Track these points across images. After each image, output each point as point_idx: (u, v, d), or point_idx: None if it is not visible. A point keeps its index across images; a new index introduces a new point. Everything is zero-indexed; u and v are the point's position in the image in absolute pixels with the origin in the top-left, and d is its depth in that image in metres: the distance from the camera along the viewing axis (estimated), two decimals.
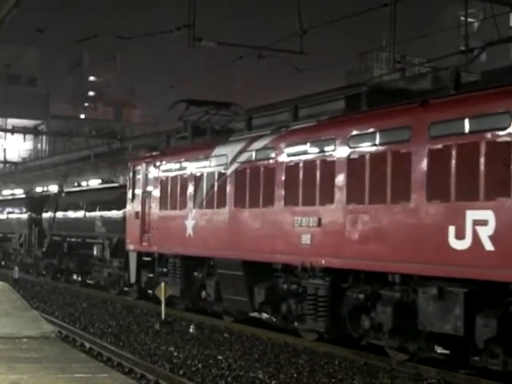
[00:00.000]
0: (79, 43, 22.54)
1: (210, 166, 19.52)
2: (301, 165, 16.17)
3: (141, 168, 23.37)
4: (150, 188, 22.68)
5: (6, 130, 55.14)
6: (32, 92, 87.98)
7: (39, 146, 78.91)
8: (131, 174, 24.00)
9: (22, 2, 14.26)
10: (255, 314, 19.62)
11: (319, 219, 15.46)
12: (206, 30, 19.61)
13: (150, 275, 22.75)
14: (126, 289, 26.37)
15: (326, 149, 15.45)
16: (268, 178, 17.12)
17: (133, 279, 23.71)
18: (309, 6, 20.05)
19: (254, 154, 17.71)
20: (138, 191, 23.38)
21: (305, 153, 16.12)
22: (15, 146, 69.59)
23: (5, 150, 61.19)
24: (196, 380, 12.86)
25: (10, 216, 41.30)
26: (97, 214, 29.26)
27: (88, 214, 30.27)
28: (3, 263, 42.67)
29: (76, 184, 39.06)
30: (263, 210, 17.31)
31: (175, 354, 15.29)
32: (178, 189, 20.94)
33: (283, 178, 16.66)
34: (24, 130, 47.62)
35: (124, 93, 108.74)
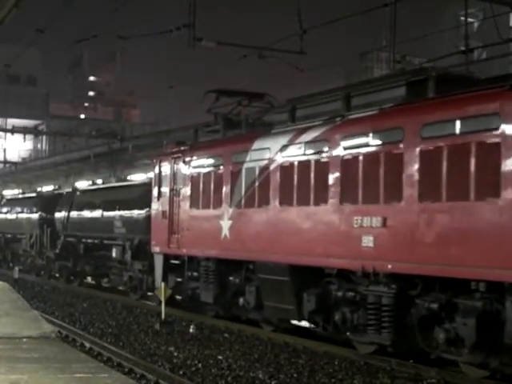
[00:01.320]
0: (79, 43, 22.55)
1: (249, 161, 17.86)
2: (360, 158, 14.50)
3: (168, 164, 21.60)
4: (178, 185, 21.01)
5: (5, 130, 55.13)
6: (32, 92, 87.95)
7: (39, 146, 78.91)
8: (156, 171, 22.23)
9: (21, 2, 14.26)
10: (299, 323, 17.60)
11: (384, 219, 13.84)
12: (206, 30, 19.62)
13: (179, 279, 21.03)
14: (150, 294, 24.43)
15: (393, 139, 13.83)
16: (320, 173, 15.47)
17: (159, 283, 21.42)
18: (309, 6, 20.06)
19: (302, 146, 16.05)
20: (165, 189, 21.65)
21: (366, 145, 14.42)
22: (15, 146, 69.59)
23: (5, 150, 61.17)
24: (196, 380, 12.86)
25: (20, 216, 39.36)
26: (116, 213, 27.38)
27: (106, 214, 28.44)
28: (11, 265, 40.06)
29: (91, 182, 37.21)
30: (314, 209, 15.63)
31: (175, 354, 15.29)
32: (212, 186, 19.34)
33: (338, 173, 15.00)
34: (24, 130, 47.64)
35: (124, 93, 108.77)
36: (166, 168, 21.68)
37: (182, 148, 21.15)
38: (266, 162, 17.20)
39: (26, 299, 19.24)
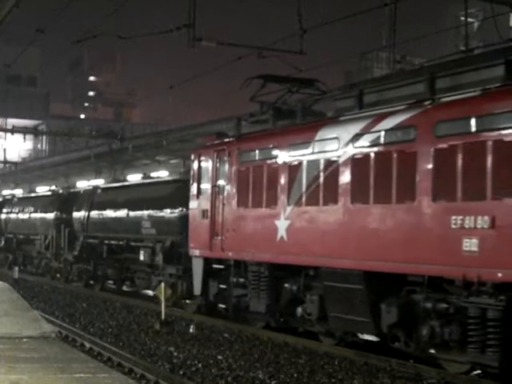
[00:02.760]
0: (79, 43, 22.55)
1: (312, 153, 15.73)
2: (459, 147, 12.50)
3: (209, 158, 19.52)
4: (222, 181, 18.91)
5: (6, 130, 55.10)
6: (32, 92, 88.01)
7: (39, 146, 78.90)
8: (196, 166, 20.13)
9: (21, 1, 14.28)
10: (371, 337, 15.18)
11: (492, 218, 11.85)
12: (206, 30, 19.62)
13: (222, 286, 19.04)
14: (187, 301, 22.18)
15: (504, 124, 11.90)
16: (404, 166, 13.46)
17: (198, 290, 19.78)
18: (309, 6, 20.06)
19: (382, 135, 14.02)
20: (206, 186, 19.57)
21: (466, 131, 12.47)
22: (15, 146, 69.57)
23: (5, 150, 61.13)
24: (196, 380, 12.86)
25: (33, 216, 36.85)
26: (144, 213, 25.11)
27: (132, 214, 26.17)
28: (22, 267, 37.81)
29: (112, 179, 34.55)
30: (397, 207, 13.57)
31: (175, 354, 15.29)
32: (265, 182, 17.21)
33: (430, 164, 12.98)
34: (24, 130, 47.59)
35: (124, 93, 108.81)
36: (206, 162, 19.68)
37: (227, 140, 19.19)
38: (333, 153, 15.13)
39: (26, 299, 19.26)
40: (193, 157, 20.43)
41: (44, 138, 73.73)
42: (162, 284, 19.71)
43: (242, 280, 18.28)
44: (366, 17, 18.91)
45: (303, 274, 16.31)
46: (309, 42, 19.44)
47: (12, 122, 64.25)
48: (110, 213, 28.12)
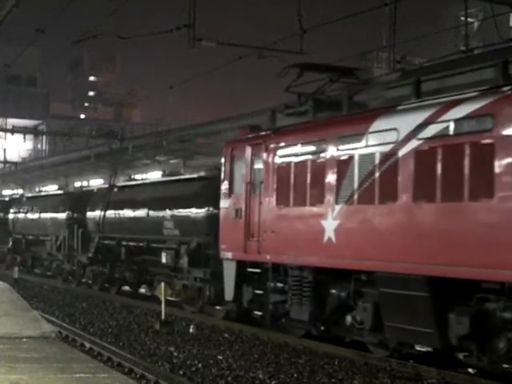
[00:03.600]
0: (79, 43, 22.54)
1: (365, 146, 14.34)
2: None
3: (243, 153, 18.10)
4: (258, 178, 17.51)
5: (6, 130, 55.08)
6: (32, 92, 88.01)
7: (39, 146, 78.89)
8: (227, 161, 18.74)
9: (21, 1, 14.28)
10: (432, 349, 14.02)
11: None
12: (206, 30, 19.60)
13: (258, 292, 17.68)
14: (218, 307, 20.86)
15: None
16: (480, 159, 12.14)
17: (230, 296, 18.46)
18: (309, 6, 20.05)
19: (450, 125, 12.73)
20: (240, 183, 18.17)
21: None
22: (15, 146, 69.57)
23: (5, 150, 61.12)
24: (196, 380, 12.87)
25: (43, 215, 35.34)
26: (166, 212, 23.54)
27: (153, 213, 24.59)
28: (30, 269, 37.40)
29: (130, 177, 32.56)
30: (471, 205, 12.23)
31: (175, 354, 15.30)
32: (309, 178, 15.80)
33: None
34: (24, 130, 47.58)
35: (124, 93, 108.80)
36: (240, 158, 18.28)
37: (264, 133, 17.83)
38: (391, 146, 13.76)
39: (25, 299, 19.26)
40: (224, 152, 18.97)
41: (44, 137, 73.73)
42: (162, 284, 19.68)
43: (280, 285, 16.95)
44: (366, 17, 18.90)
45: (353, 279, 14.88)
46: (309, 42, 19.42)
47: (12, 121, 64.22)
48: (128, 212, 26.65)
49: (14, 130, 47.10)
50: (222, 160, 19.07)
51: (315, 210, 15.59)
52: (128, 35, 22.03)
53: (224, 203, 18.81)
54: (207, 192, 21.18)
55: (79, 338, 16.95)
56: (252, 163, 17.83)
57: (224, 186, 18.87)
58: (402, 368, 13.85)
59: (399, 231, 13.50)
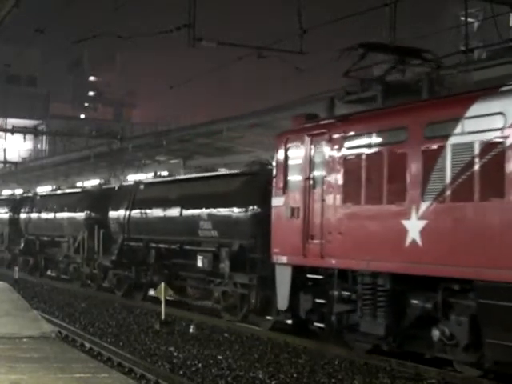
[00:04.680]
0: (79, 43, 22.55)
1: (460, 134, 12.54)
2: None
3: (301, 144, 16.18)
4: (320, 172, 15.55)
5: (6, 130, 55.11)
6: (32, 92, 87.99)
7: (39, 146, 78.92)
8: (281, 154, 16.85)
9: (21, 1, 14.27)
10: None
11: None
12: (206, 30, 19.60)
13: (318, 300, 15.67)
14: (271, 318, 18.45)
15: None
16: None
17: (283, 305, 16.44)
18: (309, 6, 20.05)
19: None
20: (296, 178, 16.26)
21: None
22: (15, 146, 69.59)
23: (5, 150, 61.13)
24: (196, 380, 12.87)
25: (59, 215, 33.01)
26: (202, 211, 21.45)
27: (187, 212, 22.38)
28: (41, 272, 35.62)
29: (155, 174, 29.96)
30: None
31: (175, 354, 15.30)
32: (386, 172, 13.90)
33: None
34: (24, 130, 47.61)
35: (124, 93, 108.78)
36: (296, 150, 16.35)
37: (327, 122, 15.90)
38: (495, 133, 12.00)
39: (26, 299, 19.26)
40: (277, 144, 17.05)
41: (44, 137, 73.77)
42: (162, 284, 19.66)
43: (347, 293, 15.02)
44: (366, 17, 18.90)
45: (441, 288, 13.03)
46: (309, 42, 19.42)
47: (12, 121, 64.24)
48: (157, 212, 24.34)
49: (14, 130, 47.13)
50: (274, 153, 17.17)
51: (394, 208, 13.65)
52: (128, 35, 22.06)
53: (277, 201, 16.83)
54: (251, 189, 19.40)
55: (79, 337, 16.95)
56: (311, 155, 15.86)
57: (277, 182, 16.89)
58: (401, 368, 13.85)
59: (508, 232, 11.59)
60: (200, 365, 14.08)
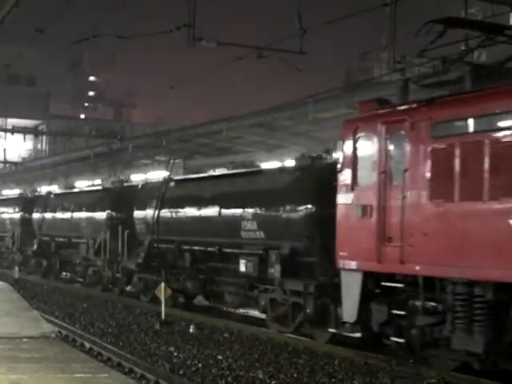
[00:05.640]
0: (79, 43, 22.55)
1: None
2: None
3: (373, 133, 14.34)
4: (399, 165, 13.73)
5: (6, 130, 55.15)
6: (32, 92, 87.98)
7: (39, 146, 78.94)
8: (348, 145, 14.92)
9: (21, 1, 14.28)
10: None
11: None
12: (206, 30, 19.62)
13: (395, 312, 13.78)
14: (333, 330, 16.44)
15: None
16: None
17: (351, 316, 14.56)
18: (309, 6, 20.07)
19: None
20: (368, 172, 14.37)
21: None
22: (15, 146, 69.62)
23: (5, 150, 61.16)
24: (196, 380, 12.87)
25: (77, 215, 30.91)
26: (246, 211, 19.37)
27: (227, 212, 20.39)
28: (53, 275, 33.74)
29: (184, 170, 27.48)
30: None
31: (175, 354, 15.30)
32: (487, 163, 12.04)
33: None
34: (24, 130, 47.65)
35: (124, 93, 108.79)
36: (368, 139, 14.52)
37: (407, 107, 14.01)
38: None
39: (26, 299, 19.28)
40: (344, 133, 15.15)
41: (44, 137, 73.78)
42: (162, 284, 19.64)
43: (432, 304, 13.19)
44: (366, 17, 18.92)
45: None
46: (309, 42, 19.43)
47: (12, 121, 64.27)
48: (191, 211, 22.15)
49: (14, 130, 47.17)
50: (340, 143, 15.21)
51: (499, 206, 11.81)
52: (128, 35, 22.08)
53: (344, 198, 14.93)
54: (304, 186, 17.51)
55: (79, 337, 16.95)
56: (387, 146, 14.05)
57: (343, 177, 14.98)
58: (401, 368, 13.85)
59: None
60: (200, 365, 14.08)
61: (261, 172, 20.72)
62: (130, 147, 39.64)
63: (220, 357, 14.96)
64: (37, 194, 40.01)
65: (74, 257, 31.28)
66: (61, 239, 32.70)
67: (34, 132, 52.99)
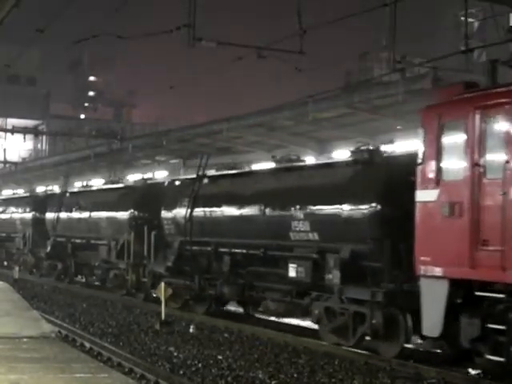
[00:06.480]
0: (79, 43, 22.56)
1: None
2: None
3: (464, 120, 12.73)
4: (497, 156, 12.21)
5: (6, 130, 55.17)
6: (32, 92, 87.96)
7: (39, 146, 78.95)
8: (431, 134, 13.34)
9: (21, 2, 14.28)
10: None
11: None
12: (206, 30, 19.61)
13: (493, 326, 12.09)
14: (415, 344, 15.35)
15: None
16: None
17: (435, 330, 12.88)
18: (309, 6, 20.06)
19: None
20: (458, 164, 12.82)
21: None
22: (15, 146, 69.63)
23: (5, 150, 61.17)
24: (196, 380, 12.87)
25: (95, 215, 28.98)
26: (296, 210, 17.60)
27: (273, 211, 18.58)
28: (64, 277, 32.41)
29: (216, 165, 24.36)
30: None
31: (175, 354, 15.30)
32: None
33: None
34: (24, 130, 47.65)
35: (124, 93, 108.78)
36: (457, 127, 12.91)
37: (506, 89, 12.45)
38: None
39: (26, 299, 19.29)
40: (425, 120, 13.61)
41: (44, 137, 73.79)
42: (162, 284, 19.62)
43: None
44: (366, 17, 18.91)
45: None
46: (309, 42, 19.43)
47: (12, 121, 64.26)
48: (229, 210, 20.29)
49: (14, 130, 47.17)
50: (421, 133, 13.60)
51: None
52: (128, 35, 22.07)
53: (425, 195, 13.34)
54: (368, 181, 15.85)
55: (79, 337, 16.94)
56: (482, 134, 12.46)
57: (425, 171, 13.39)
58: (401, 368, 13.85)
59: None
60: (200, 365, 14.07)
61: (315, 166, 18.80)
62: (130, 147, 39.67)
63: (220, 357, 14.96)
64: (49, 192, 38.40)
65: (92, 259, 29.49)
66: (77, 240, 30.94)
67: (34, 132, 53.00)
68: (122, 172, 41.80)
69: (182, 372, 13.50)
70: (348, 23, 19.83)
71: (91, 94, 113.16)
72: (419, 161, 13.52)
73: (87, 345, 16.12)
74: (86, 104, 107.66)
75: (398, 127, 26.12)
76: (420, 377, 13.30)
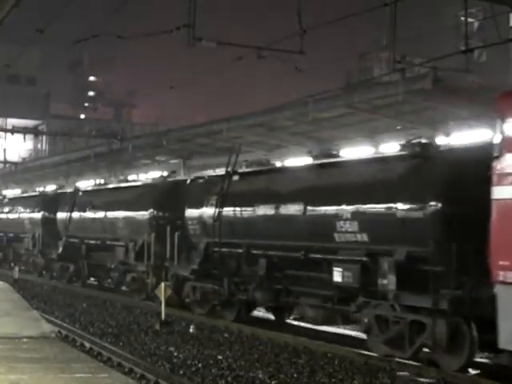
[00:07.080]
0: (79, 43, 22.56)
1: None
2: None
3: None
4: None
5: (6, 130, 55.17)
6: (32, 92, 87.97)
7: (39, 146, 78.96)
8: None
9: (21, 2, 14.28)
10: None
11: None
12: (206, 30, 19.61)
13: None
14: (490, 360, 14.13)
15: None
16: None
17: (509, 344, 11.65)
18: (309, 6, 20.06)
19: None
20: None
21: None
22: (15, 146, 69.63)
23: (5, 150, 61.16)
24: (196, 380, 12.87)
25: (111, 214, 27.51)
26: (343, 208, 16.04)
27: (314, 210, 17.08)
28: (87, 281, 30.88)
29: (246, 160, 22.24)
30: None
31: (175, 354, 15.30)
32: None
33: None
34: (24, 130, 47.67)
35: (124, 93, 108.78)
36: None
37: None
38: None
39: (26, 299, 19.29)
40: (503, 108, 12.00)
41: (44, 138, 73.81)
42: (163, 284, 19.61)
43: None
44: (366, 17, 18.91)
45: None
46: (309, 42, 19.43)
47: (12, 121, 64.27)
48: (265, 209, 18.74)
49: (14, 130, 47.17)
50: (499, 122, 12.02)
51: None
52: (128, 35, 22.07)
53: (505, 192, 11.73)
54: (426, 178, 14.49)
55: (79, 337, 16.95)
56: None
57: (505, 165, 11.78)
58: (401, 368, 13.85)
59: None
60: (200, 365, 14.07)
61: (364, 161, 16.93)
62: (130, 147, 39.64)
63: (220, 357, 14.96)
64: (60, 191, 36.64)
65: (107, 261, 27.79)
66: (92, 241, 29.43)
67: (34, 132, 53.02)
68: (122, 172, 41.75)
69: (182, 372, 13.51)
70: (348, 23, 19.83)
71: (91, 94, 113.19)
72: (495, 154, 11.91)
73: (87, 345, 16.13)
74: (86, 104, 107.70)
75: (398, 127, 26.12)
76: (420, 377, 13.29)
